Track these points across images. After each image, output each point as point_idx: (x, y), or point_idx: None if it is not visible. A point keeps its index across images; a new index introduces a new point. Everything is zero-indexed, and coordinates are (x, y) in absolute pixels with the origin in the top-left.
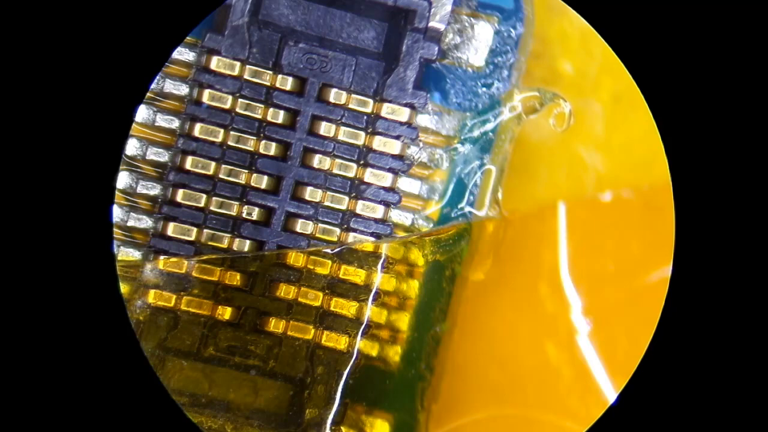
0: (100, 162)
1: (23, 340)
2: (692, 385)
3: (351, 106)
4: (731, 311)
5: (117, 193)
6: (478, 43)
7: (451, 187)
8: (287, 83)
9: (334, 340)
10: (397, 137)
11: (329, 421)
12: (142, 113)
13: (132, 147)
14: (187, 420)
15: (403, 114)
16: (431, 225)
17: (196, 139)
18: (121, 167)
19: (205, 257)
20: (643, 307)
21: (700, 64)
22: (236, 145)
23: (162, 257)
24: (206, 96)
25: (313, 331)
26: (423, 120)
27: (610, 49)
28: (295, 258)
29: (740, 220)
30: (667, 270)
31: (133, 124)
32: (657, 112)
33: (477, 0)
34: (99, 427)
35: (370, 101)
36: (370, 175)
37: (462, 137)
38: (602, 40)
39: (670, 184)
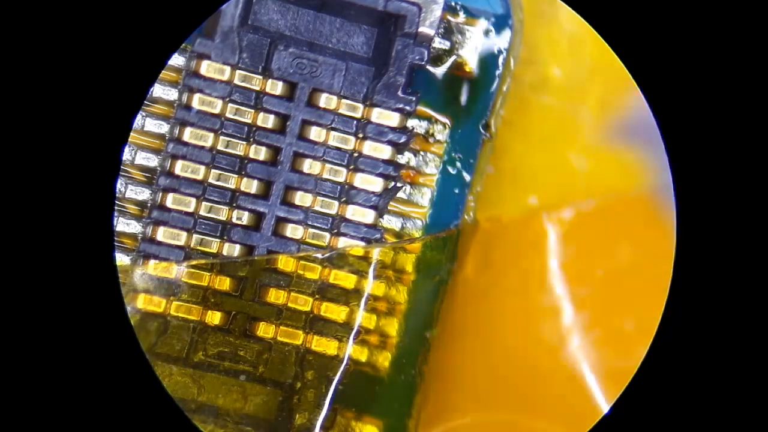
0: (96, 169)
1: (23, 340)
2: (691, 390)
3: (341, 110)
4: (731, 315)
5: None
6: (468, 48)
7: (441, 192)
8: (277, 88)
9: (324, 346)
10: (387, 142)
11: (318, 427)
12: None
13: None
14: (187, 420)
15: (392, 119)
16: (421, 230)
17: (186, 144)
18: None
19: (194, 262)
20: (642, 309)
21: (700, 63)
22: (226, 150)
23: (151, 262)
24: (196, 101)
25: (302, 336)
26: (412, 125)
27: (601, 53)
28: (285, 263)
29: (741, 221)
30: (667, 270)
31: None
32: (657, 111)
33: (467, 5)
34: (99, 427)
35: (360, 106)
36: (360, 180)
37: (451, 142)
38: (593, 44)
39: (671, 185)
